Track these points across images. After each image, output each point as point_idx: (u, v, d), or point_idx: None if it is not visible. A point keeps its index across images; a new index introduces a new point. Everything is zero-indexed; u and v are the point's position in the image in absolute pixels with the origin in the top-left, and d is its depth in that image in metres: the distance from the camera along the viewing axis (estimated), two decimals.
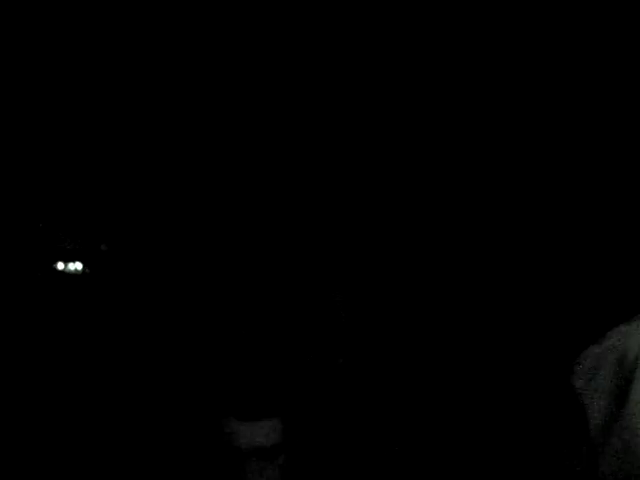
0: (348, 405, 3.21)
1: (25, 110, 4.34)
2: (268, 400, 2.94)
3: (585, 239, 3.91)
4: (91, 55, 4.05)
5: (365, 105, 4.06)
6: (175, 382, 3.96)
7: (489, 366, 3.85)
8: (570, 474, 2.12)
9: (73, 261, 5.09)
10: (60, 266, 5.03)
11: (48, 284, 5.04)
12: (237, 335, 3.74)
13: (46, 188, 4.73)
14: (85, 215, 4.84)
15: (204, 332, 4.24)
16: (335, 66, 4.08)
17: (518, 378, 3.94)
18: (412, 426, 3.44)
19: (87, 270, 4.95)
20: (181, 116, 4.47)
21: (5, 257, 4.68)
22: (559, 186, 4.00)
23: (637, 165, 3.81)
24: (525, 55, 3.95)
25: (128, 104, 4.46)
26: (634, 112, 3.80)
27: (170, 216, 4.59)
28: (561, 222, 4.00)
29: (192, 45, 4.21)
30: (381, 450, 3.31)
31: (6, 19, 3.77)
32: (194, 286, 4.32)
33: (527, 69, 3.94)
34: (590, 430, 2.13)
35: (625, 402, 2.01)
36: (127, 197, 4.75)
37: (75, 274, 5.19)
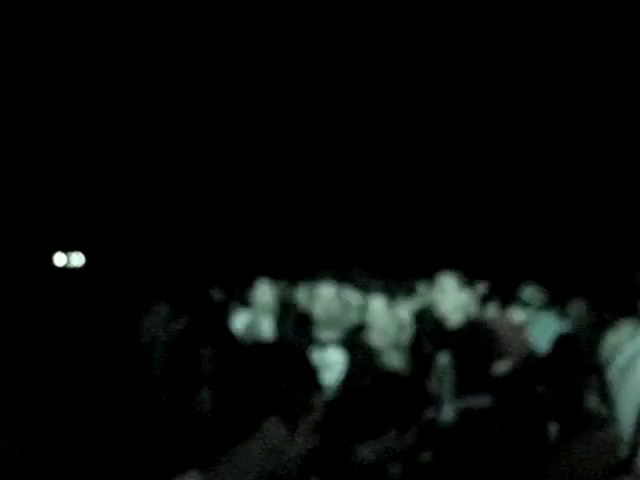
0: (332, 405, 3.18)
1: (25, 106, 4.35)
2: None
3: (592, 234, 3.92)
4: (95, 50, 4.06)
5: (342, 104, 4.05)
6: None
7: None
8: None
9: (74, 252, 5.10)
10: (60, 258, 5.04)
11: (48, 276, 5.05)
12: None
13: (47, 181, 4.74)
14: (86, 208, 4.85)
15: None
16: (335, 66, 4.08)
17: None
18: None
19: (88, 262, 4.97)
20: (179, 112, 4.48)
21: (5, 249, 4.69)
22: (559, 187, 4.01)
23: (637, 165, 3.83)
24: (525, 55, 3.96)
25: (127, 101, 4.47)
26: (634, 112, 3.80)
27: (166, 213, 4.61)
28: (562, 222, 4.02)
29: (192, 45, 4.21)
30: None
31: (6, 19, 3.77)
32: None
33: (527, 69, 3.95)
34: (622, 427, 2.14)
35: None
36: (126, 191, 4.76)
37: (75, 266, 5.20)
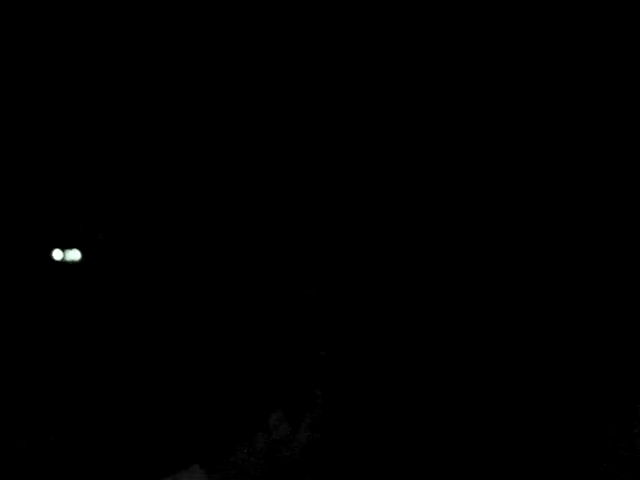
0: (334, 399, 3.18)
1: (24, 103, 4.34)
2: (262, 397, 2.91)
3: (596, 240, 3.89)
4: (95, 50, 4.05)
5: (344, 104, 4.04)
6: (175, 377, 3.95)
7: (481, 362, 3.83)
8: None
9: (70, 249, 5.07)
10: (57, 254, 5.02)
11: (45, 273, 5.03)
12: (225, 332, 3.73)
13: (44, 178, 4.73)
14: (83, 204, 4.83)
15: (198, 327, 4.24)
16: (334, 66, 4.07)
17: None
18: (398, 420, 3.42)
19: (85, 259, 4.94)
20: (178, 109, 4.47)
21: (2, 246, 4.67)
22: (560, 189, 3.99)
23: (637, 165, 3.82)
24: (525, 55, 3.95)
25: (126, 99, 4.46)
26: (634, 112, 3.80)
27: (163, 213, 4.58)
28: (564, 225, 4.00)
29: (192, 45, 4.20)
30: (368, 446, 3.28)
31: (6, 19, 3.76)
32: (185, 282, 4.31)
33: (527, 69, 3.94)
34: None
35: None
36: (125, 187, 4.75)
37: (72, 263, 5.17)
